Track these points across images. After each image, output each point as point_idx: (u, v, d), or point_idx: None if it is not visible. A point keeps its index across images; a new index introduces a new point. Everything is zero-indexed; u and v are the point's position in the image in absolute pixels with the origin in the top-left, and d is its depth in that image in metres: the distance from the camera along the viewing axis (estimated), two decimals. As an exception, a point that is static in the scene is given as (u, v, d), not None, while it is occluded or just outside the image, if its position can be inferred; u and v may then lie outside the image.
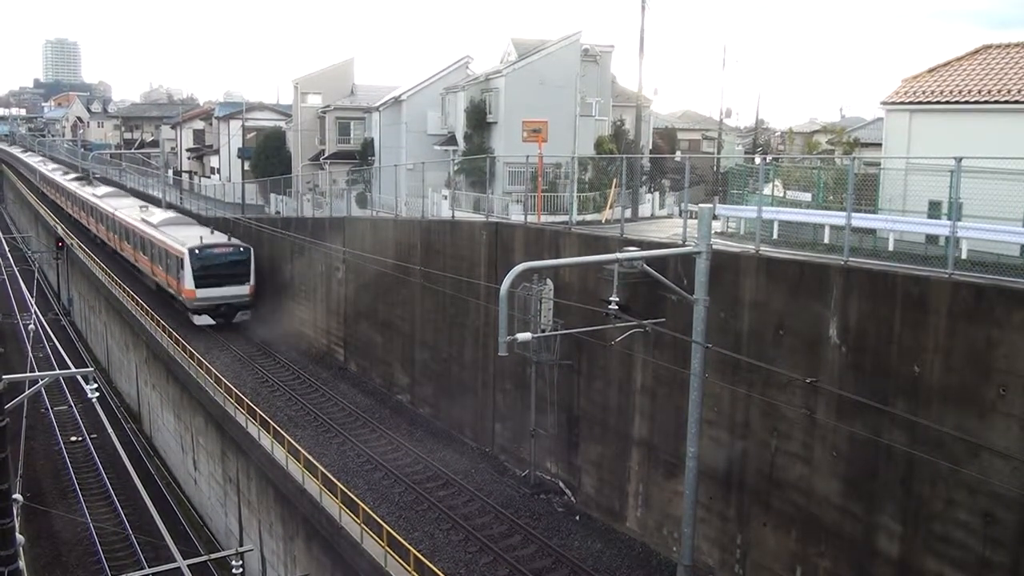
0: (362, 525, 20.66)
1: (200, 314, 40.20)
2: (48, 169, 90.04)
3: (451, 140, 42.40)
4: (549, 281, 22.50)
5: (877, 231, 18.22)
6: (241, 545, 26.79)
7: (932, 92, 21.36)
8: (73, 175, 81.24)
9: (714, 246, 16.09)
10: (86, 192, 66.29)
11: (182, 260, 39.47)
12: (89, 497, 35.06)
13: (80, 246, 59.54)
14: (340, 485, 22.50)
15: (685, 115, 79.88)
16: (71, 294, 65.31)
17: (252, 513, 28.43)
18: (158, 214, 49.89)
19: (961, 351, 13.60)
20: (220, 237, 41.68)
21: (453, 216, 29.30)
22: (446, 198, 34.38)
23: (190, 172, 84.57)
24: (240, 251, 40.37)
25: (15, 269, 68.22)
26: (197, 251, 39.29)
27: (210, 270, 39.44)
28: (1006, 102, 19.87)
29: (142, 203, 55.76)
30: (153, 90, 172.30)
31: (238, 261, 40.14)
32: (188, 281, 39.30)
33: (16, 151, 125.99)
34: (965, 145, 15.13)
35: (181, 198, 65.38)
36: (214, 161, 77.95)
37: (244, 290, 40.24)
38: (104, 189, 67.69)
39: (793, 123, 72.73)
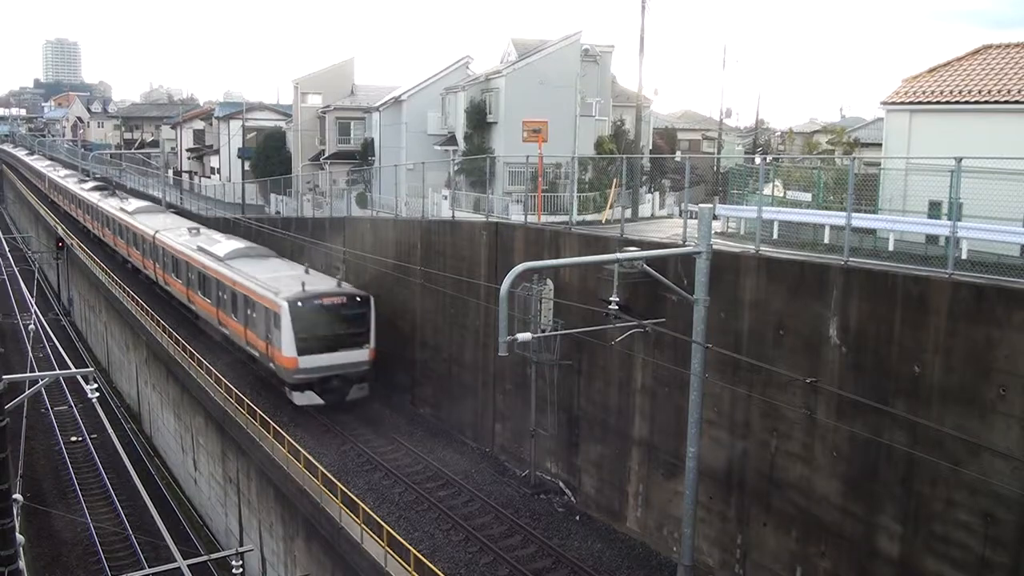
0: (362, 525, 20.67)
1: (303, 390, 28.87)
2: (59, 175, 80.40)
3: (451, 140, 42.39)
4: (549, 281, 22.51)
5: (877, 231, 18.22)
6: (241, 545, 26.82)
7: (932, 92, 21.37)
8: (92, 184, 70.47)
9: (714, 246, 16.10)
10: (110, 205, 56.17)
11: (278, 316, 28.33)
12: (89, 497, 35.08)
13: (80, 246, 59.54)
14: (340, 485, 22.49)
15: (685, 115, 80.00)
16: (71, 294, 65.35)
17: (252, 513, 28.44)
18: (222, 242, 38.69)
19: (961, 351, 13.61)
20: (325, 281, 30.83)
21: (453, 216, 29.30)
22: (446, 198, 34.37)
23: (190, 172, 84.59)
24: (357, 301, 29.44)
25: (15, 269, 68.31)
26: (300, 303, 28.21)
27: (318, 329, 28.47)
28: (1006, 102, 19.88)
29: (191, 224, 45.02)
30: (153, 90, 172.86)
31: (355, 315, 29.25)
32: (287, 345, 28.09)
33: (20, 153, 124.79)
34: (965, 145, 15.14)
35: (181, 198, 65.30)
36: (214, 161, 77.95)
37: (363, 355, 29.26)
38: (135, 203, 55.82)
39: (793, 123, 72.95)
